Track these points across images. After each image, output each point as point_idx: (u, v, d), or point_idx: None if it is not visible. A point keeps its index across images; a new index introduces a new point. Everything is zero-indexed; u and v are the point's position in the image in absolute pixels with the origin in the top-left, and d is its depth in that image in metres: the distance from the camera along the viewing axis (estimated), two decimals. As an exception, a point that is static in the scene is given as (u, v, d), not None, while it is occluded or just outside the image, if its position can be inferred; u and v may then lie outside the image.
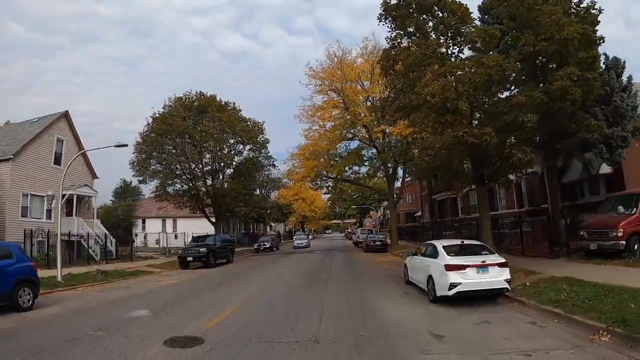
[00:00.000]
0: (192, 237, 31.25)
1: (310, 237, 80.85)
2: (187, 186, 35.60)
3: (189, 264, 25.24)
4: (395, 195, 38.50)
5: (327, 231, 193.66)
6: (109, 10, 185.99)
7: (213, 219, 40.12)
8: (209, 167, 37.41)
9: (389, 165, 38.51)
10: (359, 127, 37.23)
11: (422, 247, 13.82)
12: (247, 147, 40.49)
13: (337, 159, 37.59)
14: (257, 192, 58.60)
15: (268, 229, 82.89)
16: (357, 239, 44.81)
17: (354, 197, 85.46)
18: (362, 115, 33.70)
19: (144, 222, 60.33)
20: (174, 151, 33.42)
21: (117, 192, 75.74)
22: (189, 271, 24.12)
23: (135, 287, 17.40)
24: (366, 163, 40.95)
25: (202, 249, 24.77)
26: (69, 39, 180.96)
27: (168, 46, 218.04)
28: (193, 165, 36.22)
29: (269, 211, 59.43)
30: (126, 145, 21.05)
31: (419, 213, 61.69)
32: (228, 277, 20.19)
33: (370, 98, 34.49)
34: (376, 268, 21.69)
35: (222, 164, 37.64)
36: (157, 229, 60.14)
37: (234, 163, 39.80)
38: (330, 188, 40.24)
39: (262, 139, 40.24)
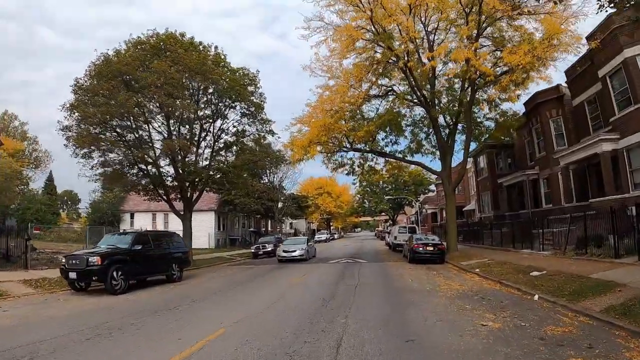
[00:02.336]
0: (113, 233, 19.25)
1: (328, 236, 68.97)
2: (129, 157, 23.75)
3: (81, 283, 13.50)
4: (451, 178, 25.74)
5: (356, 229, 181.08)
6: (138, 15, 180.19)
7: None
8: (168, 131, 25.58)
9: (444, 127, 25.92)
10: (395, 69, 24.80)
11: None
12: (237, 109, 28.63)
13: (362, 121, 25.14)
14: (264, 178, 46.93)
15: (284, 227, 71.38)
16: (393, 241, 32.20)
17: (386, 189, 72.65)
18: (400, 45, 21.21)
19: (132, 216, 51.11)
20: (112, 102, 21.72)
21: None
22: (81, 298, 12.40)
23: None
24: (407, 132, 28.42)
25: (93, 259, 12.78)
26: (98, 44, 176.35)
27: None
28: (141, 131, 24.67)
29: (279, 205, 47.43)
30: None
31: (470, 206, 48.50)
32: (123, 323, 8.32)
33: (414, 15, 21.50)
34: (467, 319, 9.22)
35: (186, 126, 25.85)
36: (147, 224, 49.73)
37: (215, 129, 27.94)
38: (354, 168, 27.78)
39: (256, 97, 28.29)
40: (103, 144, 23.16)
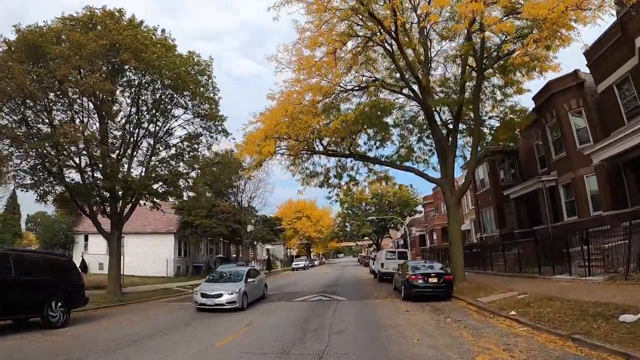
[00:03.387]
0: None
1: (307, 263, 62.37)
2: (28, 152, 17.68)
3: None
4: (454, 186, 20.08)
5: (338, 255, 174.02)
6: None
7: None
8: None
9: (442, 126, 20.57)
10: (378, 56, 19.56)
11: None
12: (188, 105, 22.84)
13: (338, 115, 19.26)
14: (230, 197, 40.80)
15: (259, 253, 64.69)
16: (380, 269, 25.72)
17: (369, 211, 66.89)
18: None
19: (86, 238, 43.94)
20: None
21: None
22: None
23: None
24: (395, 134, 23.00)
25: None
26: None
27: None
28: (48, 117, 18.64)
29: (249, 228, 41.10)
30: None
31: (465, 226, 42.99)
32: None
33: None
34: None
35: (104, 116, 19.93)
36: (102, 249, 43.05)
37: (157, 128, 22.09)
38: (328, 178, 21.74)
39: (208, 89, 22.58)
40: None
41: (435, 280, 15.06)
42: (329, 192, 22.06)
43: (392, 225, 68.40)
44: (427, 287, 14.95)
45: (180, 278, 36.53)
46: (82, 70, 17.11)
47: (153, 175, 21.90)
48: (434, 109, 19.26)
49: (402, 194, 64.45)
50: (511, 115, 22.47)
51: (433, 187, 53.13)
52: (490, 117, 23.55)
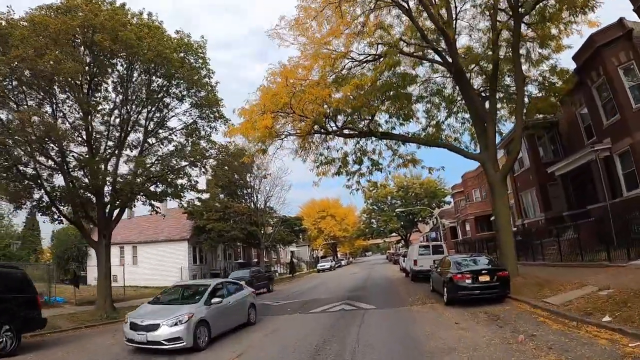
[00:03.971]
0: None
1: (333, 264, 59.18)
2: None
3: None
4: (497, 160, 16.62)
5: (366, 254, 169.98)
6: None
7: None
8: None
9: (477, 93, 17.30)
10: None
11: None
12: (182, 94, 20.25)
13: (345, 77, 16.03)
14: (245, 198, 38.21)
15: (282, 256, 62.05)
16: (412, 266, 22.39)
17: (395, 204, 63.32)
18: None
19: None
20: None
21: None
22: None
23: None
24: (420, 109, 19.85)
25: None
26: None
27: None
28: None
29: (264, 230, 38.36)
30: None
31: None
32: None
33: None
34: None
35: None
36: (114, 259, 41.07)
37: (147, 120, 19.58)
38: (347, 163, 18.58)
39: (201, 72, 19.89)
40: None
41: (487, 278, 11.82)
42: (348, 180, 18.92)
43: (420, 219, 64.68)
44: (478, 287, 11.73)
45: (197, 287, 34.03)
46: (49, 53, 14.46)
47: (143, 173, 19.28)
48: (465, 68, 15.95)
49: (429, 185, 60.72)
50: (552, 78, 18.98)
51: (462, 174, 49.51)
52: (525, 83, 20.05)
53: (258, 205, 38.63)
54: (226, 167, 28.86)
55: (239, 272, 26.58)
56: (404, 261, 32.21)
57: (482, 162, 16.28)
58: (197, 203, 25.12)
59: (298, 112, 13.96)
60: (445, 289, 12.66)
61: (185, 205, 25.11)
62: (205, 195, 38.89)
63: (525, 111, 20.25)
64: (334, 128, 16.98)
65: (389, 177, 20.25)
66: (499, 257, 15.70)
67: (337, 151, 19.19)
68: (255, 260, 52.22)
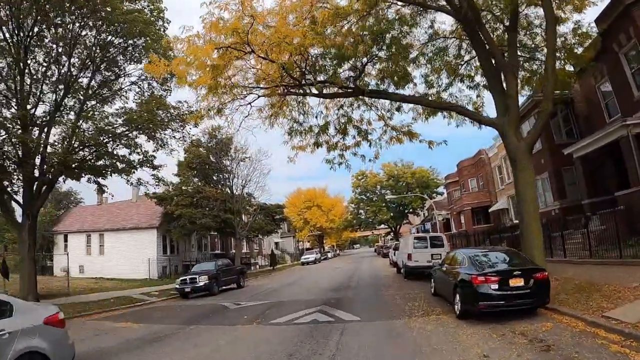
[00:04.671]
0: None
1: (318, 256, 55.48)
2: None
3: None
4: (519, 126, 12.93)
5: (354, 246, 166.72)
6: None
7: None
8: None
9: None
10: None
11: None
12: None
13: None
14: (220, 182, 34.42)
15: (264, 247, 58.42)
16: (407, 261, 18.40)
17: (384, 193, 59.88)
18: None
19: (66, 239, 38.89)
20: None
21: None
22: None
23: None
24: (420, 67, 16.07)
25: None
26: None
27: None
28: None
29: (240, 218, 34.60)
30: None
31: (499, 205, 35.84)
32: None
33: None
34: None
35: None
36: (81, 249, 38.01)
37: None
38: (327, 132, 14.78)
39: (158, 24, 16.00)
40: None
41: (519, 282, 8.19)
42: (329, 152, 15.20)
43: (411, 210, 61.27)
44: (508, 295, 8.08)
45: (165, 280, 30.42)
46: None
47: (76, 140, 15.44)
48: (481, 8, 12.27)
49: (421, 175, 57.26)
50: (573, 40, 15.42)
51: (458, 162, 46.07)
52: (540, 49, 16.41)
53: (235, 191, 34.74)
54: (192, 143, 24.86)
55: (203, 265, 22.79)
56: (394, 255, 28.66)
57: (500, 129, 12.62)
58: (158, 185, 21.24)
59: (260, 52, 10.13)
60: (457, 296, 9.01)
61: (151, 187, 21.39)
62: (176, 179, 35.23)
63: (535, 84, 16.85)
64: (310, 79, 13.12)
65: (379, 152, 16.46)
66: (525, 245, 12.12)
67: (317, 117, 15.46)
68: (233, 251, 48.50)
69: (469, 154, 43.21)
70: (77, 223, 40.71)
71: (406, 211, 61.65)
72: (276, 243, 75.31)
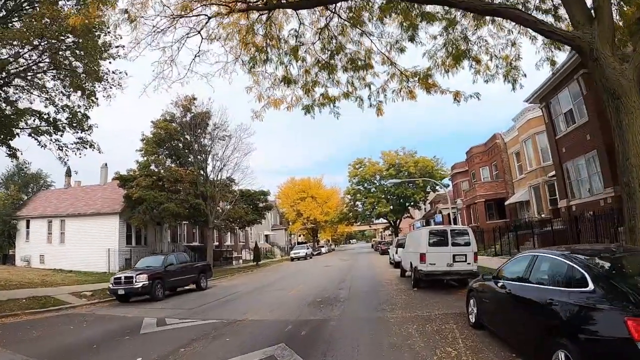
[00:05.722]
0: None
1: (309, 251, 50.21)
2: None
3: None
4: (614, 40, 7.80)
5: (351, 241, 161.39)
6: None
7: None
8: None
9: None
10: None
11: None
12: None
13: None
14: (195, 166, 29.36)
15: (250, 239, 53.40)
16: (417, 265, 12.75)
17: (384, 183, 54.80)
18: None
19: (28, 225, 34.58)
20: None
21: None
22: None
23: None
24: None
25: None
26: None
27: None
28: None
29: (214, 205, 29.44)
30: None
31: (517, 197, 30.70)
32: None
33: None
34: None
35: None
36: (42, 236, 33.37)
37: None
38: (305, 63, 9.83)
39: None
40: None
41: None
42: (306, 94, 10.05)
43: (412, 203, 56.12)
44: None
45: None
46: None
47: None
48: None
49: (424, 164, 52.04)
50: None
51: (467, 149, 40.87)
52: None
53: (210, 173, 29.52)
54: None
55: (149, 260, 17.59)
56: (396, 253, 23.48)
57: (586, 47, 7.39)
58: (82, 149, 15.99)
59: None
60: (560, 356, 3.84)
61: (73, 153, 16.16)
62: (144, 159, 29.99)
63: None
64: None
65: (382, 105, 11.31)
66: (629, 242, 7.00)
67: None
68: (216, 243, 43.29)
69: (482, 138, 38.04)
70: (41, 207, 35.66)
71: (407, 204, 56.46)
72: (266, 236, 70.12)
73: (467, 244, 12.82)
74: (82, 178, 52.29)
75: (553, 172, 24.06)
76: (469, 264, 12.61)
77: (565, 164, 21.25)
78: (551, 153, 23.25)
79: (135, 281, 14.92)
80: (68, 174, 39.16)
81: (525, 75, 11.72)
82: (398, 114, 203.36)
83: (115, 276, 16.06)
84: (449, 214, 46.72)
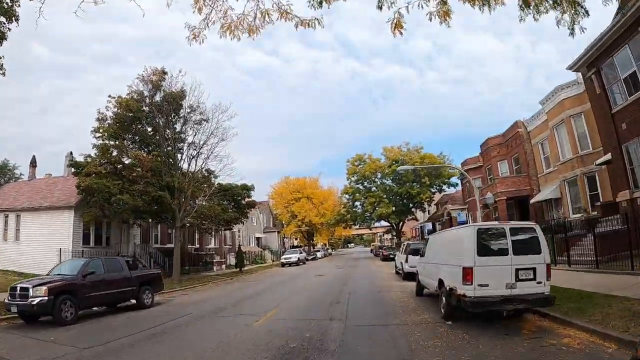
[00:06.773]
0: None
1: (301, 255, 44.80)
2: None
3: None
4: None
5: (349, 245, 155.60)
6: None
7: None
8: None
9: None
10: None
11: None
12: None
13: None
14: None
15: (242, 242, 48.18)
16: (454, 284, 7.81)
17: (385, 181, 49.79)
18: None
19: None
20: None
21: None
22: None
23: None
24: None
25: None
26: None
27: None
28: None
29: (185, 199, 24.41)
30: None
31: (544, 195, 25.77)
32: None
33: None
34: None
35: None
36: None
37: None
38: None
39: None
40: None
41: None
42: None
43: (417, 203, 51.06)
44: None
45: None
46: None
47: None
48: None
49: (431, 161, 47.00)
50: None
51: (482, 142, 36.01)
52: None
53: (178, 160, 24.48)
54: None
55: (66, 265, 12.71)
56: (406, 261, 18.45)
57: None
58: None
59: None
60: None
61: None
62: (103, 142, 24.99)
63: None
64: None
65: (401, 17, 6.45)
66: None
67: None
68: (197, 245, 38.24)
69: (499, 129, 33.22)
70: (-1, 201, 30.69)
71: (412, 205, 51.43)
72: (258, 238, 65.03)
73: (538, 250, 7.87)
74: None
75: (597, 160, 19.22)
76: (539, 283, 7.70)
77: (626, 144, 16.34)
78: (603, 134, 18.32)
79: (32, 295, 10.04)
80: (33, 164, 34.50)
81: (587, 13, 6.92)
82: (398, 117, 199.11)
83: (11, 286, 11.12)
84: (449, 214, 41.77)
